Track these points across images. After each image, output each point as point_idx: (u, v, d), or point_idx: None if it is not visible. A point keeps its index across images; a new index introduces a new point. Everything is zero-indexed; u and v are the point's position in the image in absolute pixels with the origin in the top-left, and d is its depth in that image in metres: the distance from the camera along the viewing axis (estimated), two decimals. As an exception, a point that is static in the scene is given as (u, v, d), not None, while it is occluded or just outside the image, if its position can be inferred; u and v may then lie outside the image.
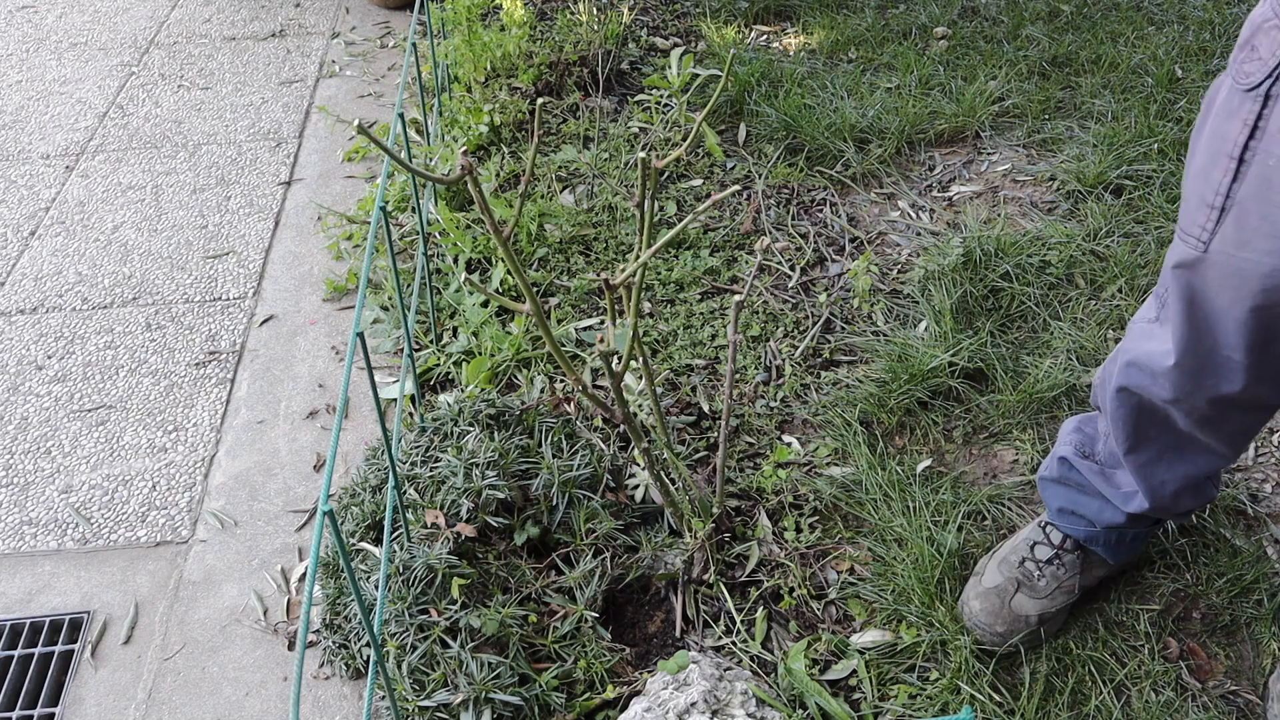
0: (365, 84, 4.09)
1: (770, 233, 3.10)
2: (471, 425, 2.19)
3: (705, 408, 2.51)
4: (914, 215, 3.17)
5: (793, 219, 3.16)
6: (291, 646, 2.08)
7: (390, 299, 2.90)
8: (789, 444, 2.42)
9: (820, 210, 3.21)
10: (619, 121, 3.59)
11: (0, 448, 2.55)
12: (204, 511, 2.37)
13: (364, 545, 2.06)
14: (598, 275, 1.64)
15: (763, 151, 3.44)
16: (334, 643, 1.99)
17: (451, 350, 2.66)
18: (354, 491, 2.20)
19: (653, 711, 1.75)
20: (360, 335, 1.60)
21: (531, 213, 3.06)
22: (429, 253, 2.91)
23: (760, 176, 3.32)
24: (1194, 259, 1.44)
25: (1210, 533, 2.15)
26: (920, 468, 2.32)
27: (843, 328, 2.76)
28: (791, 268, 2.97)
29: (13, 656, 2.09)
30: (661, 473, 2.09)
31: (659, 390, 2.55)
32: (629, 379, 2.46)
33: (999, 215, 3.10)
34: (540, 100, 1.75)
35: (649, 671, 1.93)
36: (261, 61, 4.29)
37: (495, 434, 2.15)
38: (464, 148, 1.50)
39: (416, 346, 2.72)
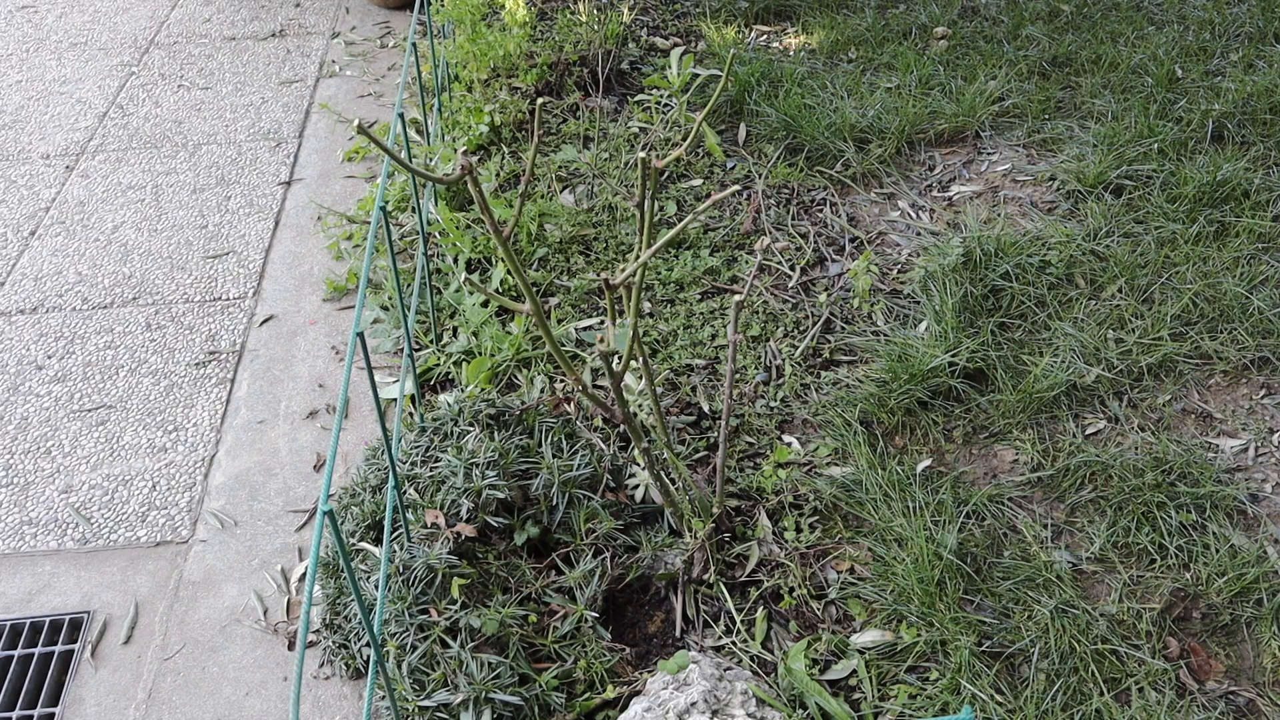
0: (365, 84, 4.09)
1: (770, 233, 3.10)
2: (471, 425, 2.19)
3: (705, 408, 2.51)
4: (914, 215, 3.17)
5: (793, 219, 3.16)
6: (291, 646, 2.08)
7: (390, 299, 2.90)
8: (789, 444, 2.42)
9: (820, 210, 3.21)
10: (619, 121, 3.59)
11: (0, 448, 2.55)
12: (204, 511, 2.37)
13: (364, 545, 2.06)
14: (598, 275, 1.64)
15: (763, 151, 3.44)
16: (334, 643, 1.99)
17: (451, 350, 2.66)
18: (354, 491, 2.20)
19: (653, 711, 1.75)
20: (360, 335, 1.60)
21: (531, 212, 3.06)
22: (429, 253, 2.92)
23: (760, 176, 3.32)
24: None
25: (1210, 533, 2.15)
26: (920, 468, 2.32)
27: (843, 328, 2.76)
28: (791, 268, 2.97)
29: (13, 656, 2.09)
30: (661, 473, 2.09)
31: (659, 390, 2.55)
32: (629, 379, 2.46)
33: (999, 215, 3.10)
34: (540, 100, 1.75)
35: (649, 671, 1.93)
36: (261, 61, 4.29)
37: (495, 434, 2.15)
38: (464, 148, 1.50)
39: (416, 346, 2.72)
